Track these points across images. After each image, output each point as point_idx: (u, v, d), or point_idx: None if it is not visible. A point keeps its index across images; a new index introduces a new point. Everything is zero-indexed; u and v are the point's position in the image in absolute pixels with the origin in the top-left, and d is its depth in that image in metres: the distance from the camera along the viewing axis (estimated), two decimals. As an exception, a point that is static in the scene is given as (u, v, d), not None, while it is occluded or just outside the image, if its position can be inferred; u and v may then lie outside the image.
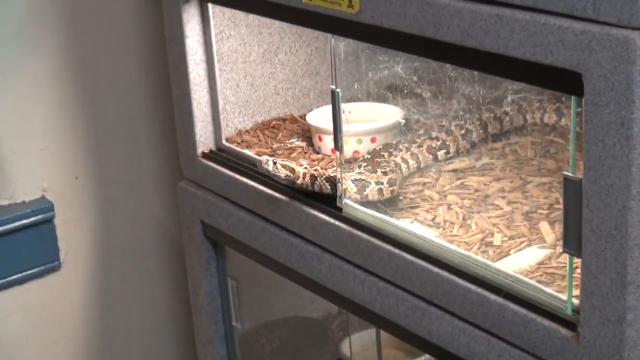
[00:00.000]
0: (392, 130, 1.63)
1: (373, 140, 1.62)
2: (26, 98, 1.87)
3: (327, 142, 1.66)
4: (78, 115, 1.93)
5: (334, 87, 1.45)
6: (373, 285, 1.42)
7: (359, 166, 1.51)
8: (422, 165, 1.57)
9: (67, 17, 1.88)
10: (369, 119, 1.65)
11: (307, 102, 1.85)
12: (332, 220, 1.47)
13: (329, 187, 1.50)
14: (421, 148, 1.57)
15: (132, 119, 2.00)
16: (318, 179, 1.51)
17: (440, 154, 1.58)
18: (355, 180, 1.48)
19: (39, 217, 1.91)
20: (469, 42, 1.16)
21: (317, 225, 1.50)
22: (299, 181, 1.51)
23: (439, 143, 1.58)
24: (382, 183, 1.48)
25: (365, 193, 1.48)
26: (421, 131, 1.60)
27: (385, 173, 1.49)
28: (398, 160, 1.55)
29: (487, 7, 1.13)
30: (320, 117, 1.69)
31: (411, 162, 1.56)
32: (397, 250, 1.37)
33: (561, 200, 1.15)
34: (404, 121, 1.61)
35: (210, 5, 1.67)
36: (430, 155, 1.58)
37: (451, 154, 1.59)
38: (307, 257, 1.54)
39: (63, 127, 1.92)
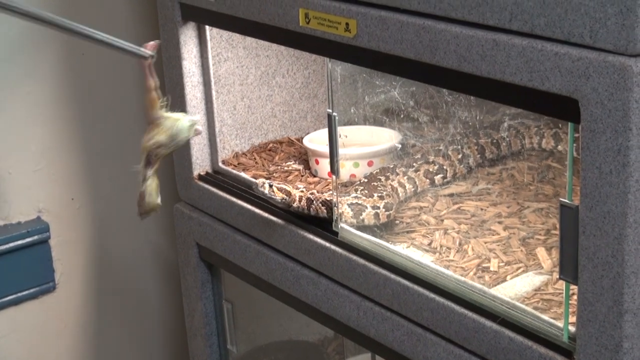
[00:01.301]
0: (389, 154, 1.62)
1: (370, 164, 1.62)
2: (22, 119, 1.86)
3: (324, 166, 1.65)
4: (74, 136, 1.93)
5: (330, 110, 1.45)
6: (369, 310, 1.42)
7: (356, 190, 1.50)
8: (418, 190, 1.57)
9: (64, 37, 1.87)
10: (365, 142, 1.64)
11: (304, 125, 1.84)
12: (327, 245, 1.47)
13: (325, 210, 1.50)
14: (418, 172, 1.57)
15: (128, 140, 1.99)
16: (314, 202, 1.50)
17: (437, 178, 1.58)
18: (352, 204, 1.47)
19: (35, 237, 1.90)
20: (465, 67, 1.16)
21: (313, 249, 1.49)
22: (295, 204, 1.50)
23: (436, 167, 1.58)
24: (378, 207, 1.47)
25: (361, 217, 1.47)
26: (418, 155, 1.60)
27: (381, 197, 1.48)
28: (395, 184, 1.54)
29: (484, 33, 1.13)
30: (317, 140, 1.69)
31: (408, 186, 1.56)
32: (393, 275, 1.36)
33: (558, 227, 1.14)
34: (400, 145, 1.61)
35: (207, 28, 1.67)
36: (427, 180, 1.57)
37: (448, 179, 1.58)
38: (303, 281, 1.53)
39: (59, 147, 1.92)
